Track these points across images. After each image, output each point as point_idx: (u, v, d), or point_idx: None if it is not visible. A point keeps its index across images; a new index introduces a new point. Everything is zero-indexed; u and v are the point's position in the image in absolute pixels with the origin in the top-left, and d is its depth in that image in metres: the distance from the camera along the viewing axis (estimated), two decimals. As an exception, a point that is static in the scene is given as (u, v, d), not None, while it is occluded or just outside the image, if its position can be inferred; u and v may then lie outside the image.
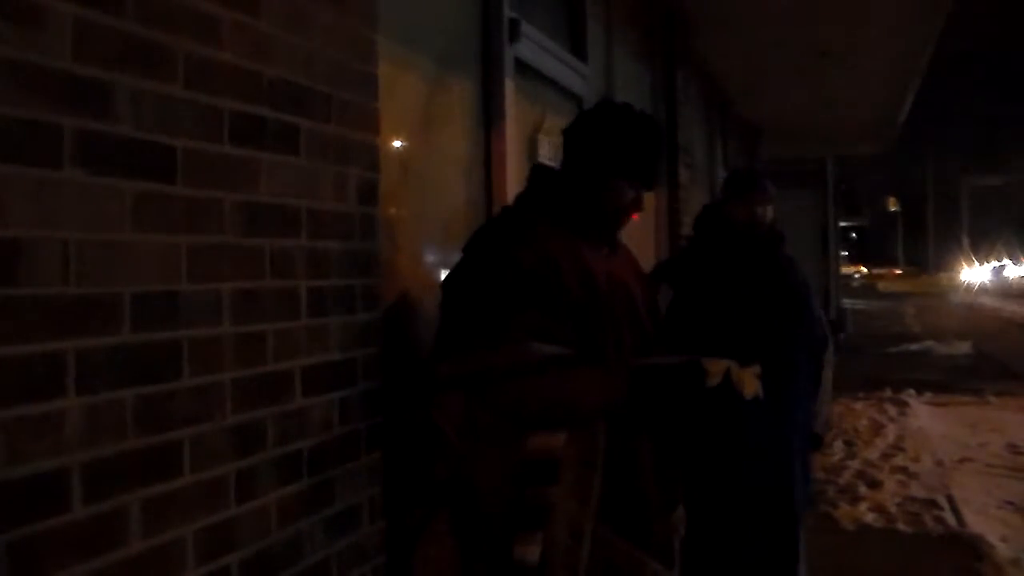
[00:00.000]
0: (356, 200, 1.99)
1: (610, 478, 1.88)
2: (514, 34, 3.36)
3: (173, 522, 1.43)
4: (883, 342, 15.93)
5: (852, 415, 8.48)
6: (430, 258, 2.85)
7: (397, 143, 2.65)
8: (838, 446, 7.05)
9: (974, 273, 46.84)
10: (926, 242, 59.85)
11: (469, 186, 3.17)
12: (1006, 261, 52.34)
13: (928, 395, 9.90)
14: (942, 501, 5.59)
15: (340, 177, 1.94)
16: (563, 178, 2.12)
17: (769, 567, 3.10)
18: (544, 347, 1.85)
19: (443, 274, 2.17)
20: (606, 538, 1.88)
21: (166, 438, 1.43)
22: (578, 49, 4.48)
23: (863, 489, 5.87)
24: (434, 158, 2.96)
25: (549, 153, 3.70)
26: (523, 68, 3.54)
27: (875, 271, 54.91)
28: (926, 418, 8.57)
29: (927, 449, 7.10)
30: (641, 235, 5.35)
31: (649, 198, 3.98)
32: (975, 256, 51.14)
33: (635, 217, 2.16)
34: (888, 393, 9.79)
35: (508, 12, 3.34)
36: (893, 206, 58.55)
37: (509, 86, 3.32)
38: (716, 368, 1.88)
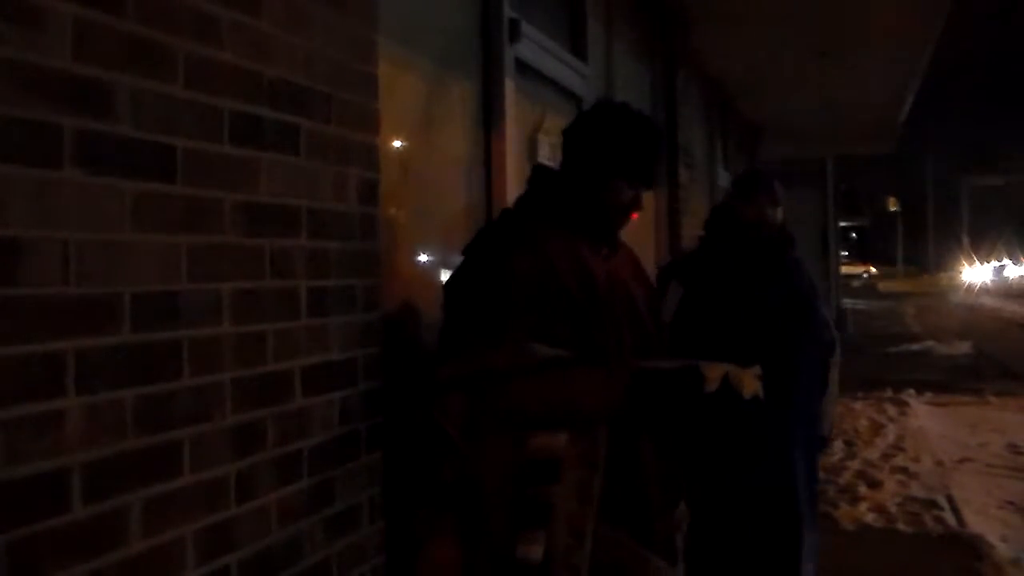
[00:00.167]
0: (356, 200, 1.99)
1: (612, 477, 1.89)
2: (514, 34, 3.36)
3: (173, 522, 1.44)
4: (883, 342, 15.89)
5: (852, 415, 8.46)
6: (430, 258, 2.85)
7: (397, 143, 2.65)
8: (838, 446, 7.04)
9: (975, 273, 46.76)
10: (926, 242, 59.73)
11: (469, 186, 3.17)
12: (1006, 261, 52.28)
13: (928, 395, 9.88)
14: (942, 501, 5.58)
15: (340, 177, 1.94)
16: (563, 179, 2.12)
17: (770, 566, 3.10)
18: (544, 348, 1.86)
19: (443, 274, 2.18)
20: (609, 536, 1.88)
21: (166, 438, 1.43)
22: (578, 49, 4.48)
23: (863, 489, 5.87)
24: (434, 158, 2.96)
25: (549, 153, 3.70)
26: (523, 68, 3.55)
27: (881, 270, 54.88)
28: (926, 418, 8.56)
29: (927, 449, 7.10)
30: (641, 235, 5.36)
31: (649, 198, 3.99)
32: (975, 256, 51.06)
33: (635, 217, 2.16)
34: (888, 393, 9.77)
35: (508, 12, 3.34)
36: (893, 206, 58.42)
37: (509, 86, 3.32)
38: (714, 373, 1.89)
